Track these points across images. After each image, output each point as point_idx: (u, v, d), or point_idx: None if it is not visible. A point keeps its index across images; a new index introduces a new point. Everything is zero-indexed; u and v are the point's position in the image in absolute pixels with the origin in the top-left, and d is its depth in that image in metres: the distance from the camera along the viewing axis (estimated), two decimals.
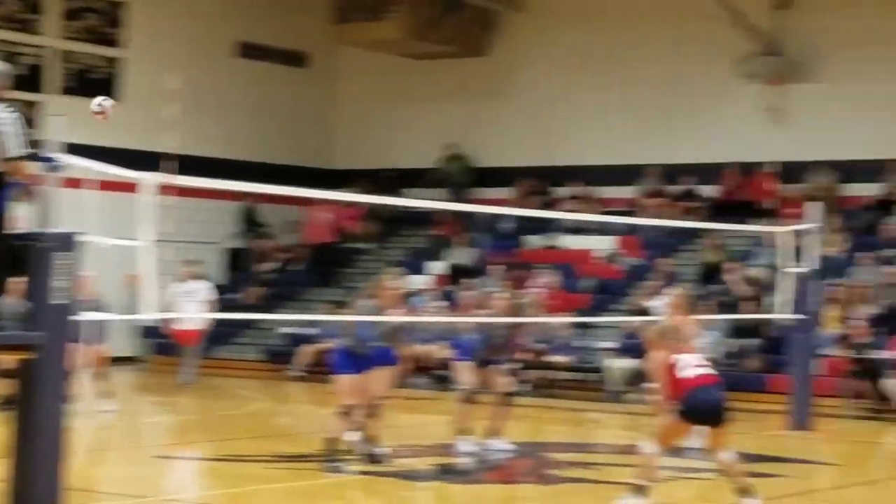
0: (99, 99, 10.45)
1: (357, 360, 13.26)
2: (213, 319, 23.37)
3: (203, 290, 23.55)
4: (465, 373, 14.90)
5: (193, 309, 22.50)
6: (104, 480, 12.77)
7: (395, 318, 13.45)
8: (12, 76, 10.51)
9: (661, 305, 23.15)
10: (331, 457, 13.22)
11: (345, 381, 13.27)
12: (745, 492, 10.77)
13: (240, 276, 28.99)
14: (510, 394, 14.97)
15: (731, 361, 22.23)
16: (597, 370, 22.67)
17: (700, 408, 10.76)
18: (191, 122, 27.83)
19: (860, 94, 25.71)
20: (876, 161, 25.35)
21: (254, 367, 25.84)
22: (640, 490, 10.91)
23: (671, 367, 10.82)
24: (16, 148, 9.89)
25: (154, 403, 21.74)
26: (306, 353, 24.54)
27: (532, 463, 14.70)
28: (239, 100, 29.89)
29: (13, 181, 10.09)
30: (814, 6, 26.08)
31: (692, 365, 10.86)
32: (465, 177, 29.73)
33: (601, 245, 26.85)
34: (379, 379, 13.47)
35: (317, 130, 31.44)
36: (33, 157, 10.08)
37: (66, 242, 10.15)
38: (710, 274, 24.49)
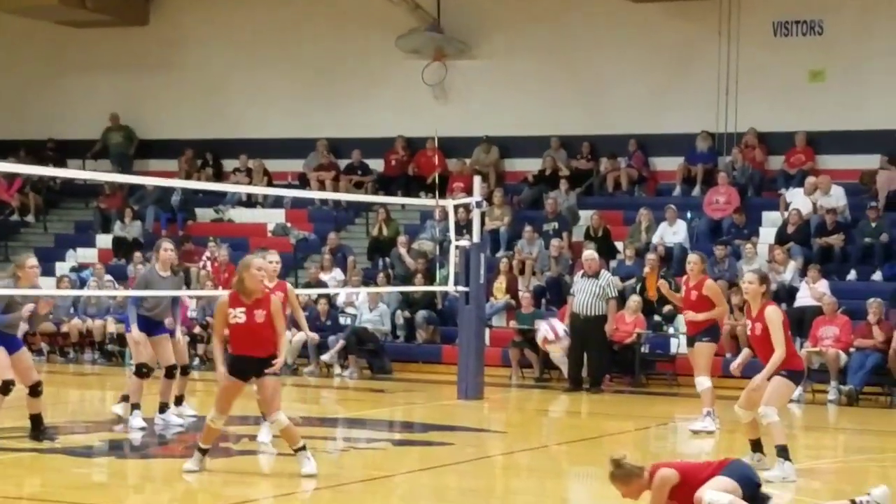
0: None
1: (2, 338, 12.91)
2: None
3: None
4: (135, 346, 14.71)
5: None
6: None
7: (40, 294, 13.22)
8: None
9: (334, 279, 23.45)
10: None
11: None
12: (301, 449, 11.22)
13: None
14: (174, 367, 14.82)
15: (404, 333, 22.65)
16: None
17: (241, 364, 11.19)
18: None
19: (519, 72, 26.45)
20: (536, 137, 26.14)
21: None
22: (202, 452, 11.41)
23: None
24: None
25: None
26: None
27: None
28: None
29: None
30: None
31: None
32: (129, 148, 29.18)
33: (271, 218, 26.81)
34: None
35: None
36: None
37: None
38: (381, 247, 24.77)
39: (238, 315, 11.11)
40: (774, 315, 11.68)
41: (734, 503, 8.91)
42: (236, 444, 13.56)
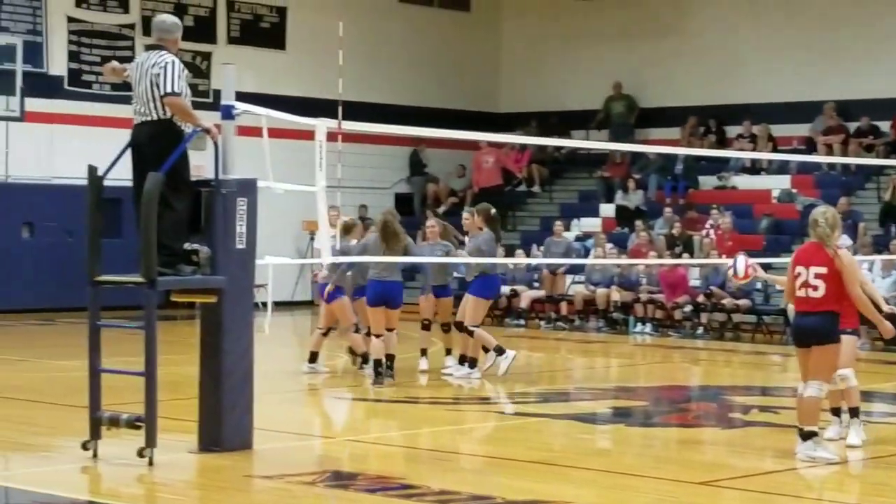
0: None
1: None
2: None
3: None
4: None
5: None
6: (289, 421, 12.80)
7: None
8: (181, 28, 10.62)
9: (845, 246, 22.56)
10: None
11: None
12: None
13: (408, 220, 28.87)
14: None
15: None
16: (779, 312, 21.96)
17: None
18: (355, 69, 27.62)
19: None
20: None
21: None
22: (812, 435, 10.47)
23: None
24: (171, 85, 9.91)
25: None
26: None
27: (713, 406, 14.36)
28: (402, 45, 29.81)
29: (185, 127, 10.09)
30: None
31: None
32: (630, 117, 29.30)
33: (776, 184, 26.24)
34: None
35: (481, 74, 31.23)
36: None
37: (247, 188, 10.17)
38: (893, 213, 23.73)
39: None
40: None
41: None
42: (745, 415, 13.32)
